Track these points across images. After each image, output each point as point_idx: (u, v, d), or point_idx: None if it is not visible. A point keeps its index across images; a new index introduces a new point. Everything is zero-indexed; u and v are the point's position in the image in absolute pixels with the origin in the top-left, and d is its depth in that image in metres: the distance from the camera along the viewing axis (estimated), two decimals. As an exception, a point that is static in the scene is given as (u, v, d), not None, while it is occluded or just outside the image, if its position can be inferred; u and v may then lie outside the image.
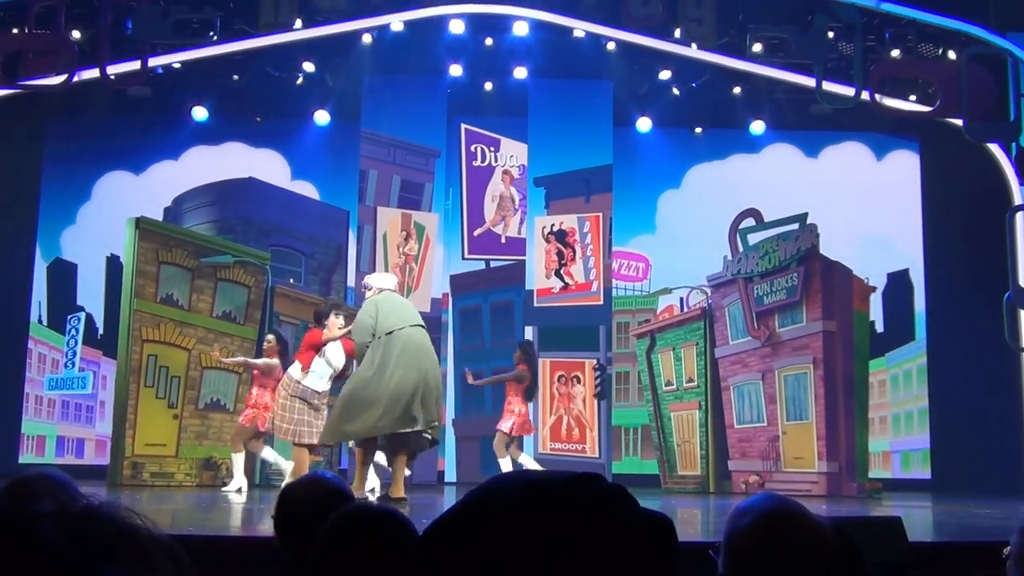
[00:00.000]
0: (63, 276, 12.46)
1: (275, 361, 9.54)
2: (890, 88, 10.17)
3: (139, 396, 10.35)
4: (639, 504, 0.92)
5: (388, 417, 7.47)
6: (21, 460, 11.68)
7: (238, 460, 9.60)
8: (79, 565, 0.71)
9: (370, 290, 8.08)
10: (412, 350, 7.62)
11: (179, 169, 12.58)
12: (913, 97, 10.43)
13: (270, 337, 9.87)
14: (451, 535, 0.89)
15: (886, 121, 11.52)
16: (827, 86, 9.99)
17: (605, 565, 0.84)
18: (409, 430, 7.59)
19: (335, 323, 8.73)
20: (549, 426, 11.53)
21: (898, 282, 12.54)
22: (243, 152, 12.65)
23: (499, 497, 0.89)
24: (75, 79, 9.53)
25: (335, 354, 8.78)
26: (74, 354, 11.98)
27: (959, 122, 9.87)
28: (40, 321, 12.34)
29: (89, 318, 12.16)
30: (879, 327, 12.29)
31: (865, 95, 9.82)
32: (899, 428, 12.25)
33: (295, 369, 8.74)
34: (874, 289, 11.49)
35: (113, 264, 11.85)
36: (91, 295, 12.28)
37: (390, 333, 7.61)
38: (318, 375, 8.72)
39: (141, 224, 10.57)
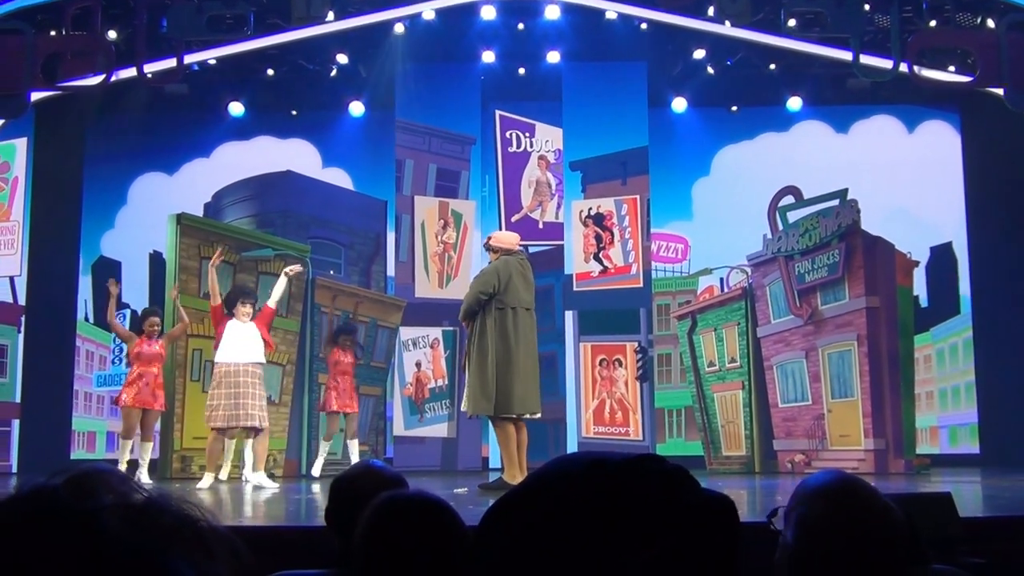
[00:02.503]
0: (107, 274, 12.60)
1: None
2: (928, 59, 10.02)
3: (186, 391, 10.47)
4: (700, 484, 0.92)
5: (533, 398, 7.65)
6: (72, 456, 11.86)
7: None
8: (142, 556, 0.72)
9: (495, 252, 7.95)
10: (531, 331, 7.77)
11: (213, 165, 12.69)
12: (952, 67, 10.27)
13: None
14: (516, 513, 0.89)
15: (924, 93, 11.36)
16: (864, 59, 9.86)
17: (669, 544, 0.85)
18: (536, 415, 7.85)
19: (242, 310, 9.17)
20: (592, 410, 11.53)
21: (941, 256, 12.40)
22: (275, 144, 12.73)
23: (563, 476, 0.90)
24: (113, 79, 9.62)
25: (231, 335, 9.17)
26: (121, 351, 12.12)
27: (1000, 91, 9.71)
28: (86, 319, 12.51)
29: (134, 315, 12.30)
30: (923, 302, 12.16)
31: (903, 67, 9.68)
32: (946, 403, 12.13)
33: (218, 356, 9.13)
34: (917, 263, 11.34)
35: (156, 261, 11.99)
36: (135, 292, 12.43)
37: (514, 308, 7.66)
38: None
39: (182, 220, 10.68)
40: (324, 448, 10.45)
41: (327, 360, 10.66)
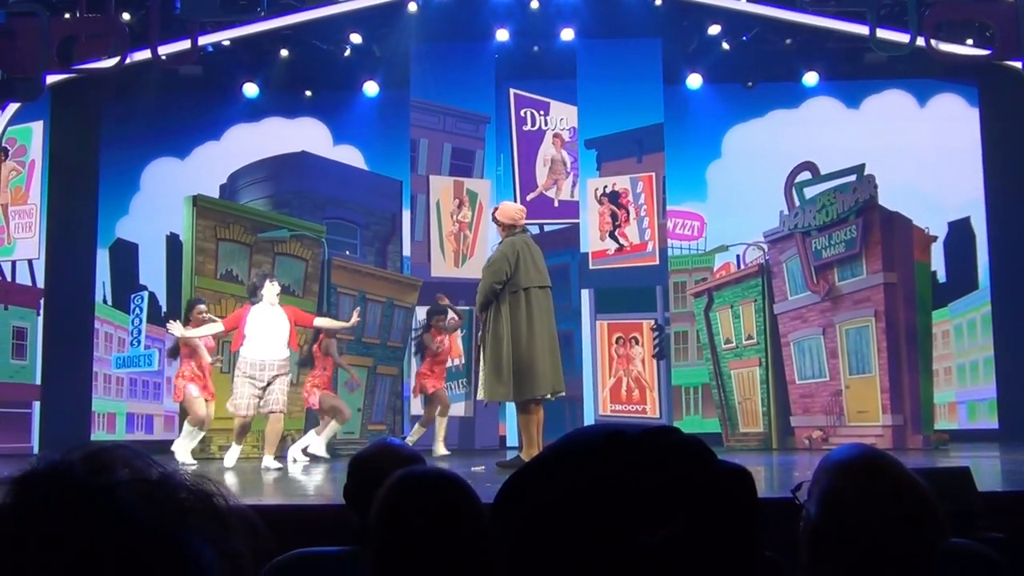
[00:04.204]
0: (125, 256, 12.67)
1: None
2: (946, 32, 9.92)
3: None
4: (716, 456, 0.92)
5: (556, 377, 7.59)
6: (93, 437, 11.94)
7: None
8: (158, 531, 0.73)
9: (501, 227, 7.84)
10: (545, 310, 7.65)
11: (224, 148, 12.70)
12: (970, 41, 10.18)
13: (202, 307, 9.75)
14: (534, 485, 0.89)
15: (941, 66, 11.26)
16: (881, 33, 9.78)
17: (688, 515, 0.85)
18: (561, 393, 7.79)
19: (271, 289, 8.89)
20: (609, 388, 11.54)
21: (959, 231, 12.32)
22: (286, 124, 12.73)
23: (580, 449, 0.90)
24: (127, 61, 9.63)
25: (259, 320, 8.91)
26: (139, 332, 12.18)
27: (1019, 64, 9.62)
28: (105, 301, 12.57)
29: (152, 296, 12.36)
30: (941, 277, 12.10)
31: (920, 41, 9.59)
32: (964, 378, 12.08)
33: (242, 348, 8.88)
34: (935, 239, 11.28)
35: (173, 243, 12.03)
36: (153, 274, 12.49)
37: (526, 289, 7.55)
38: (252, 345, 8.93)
39: (198, 202, 10.69)
40: (417, 433, 10.36)
41: (424, 344, 10.57)
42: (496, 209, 8.16)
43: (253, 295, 9.03)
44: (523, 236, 7.79)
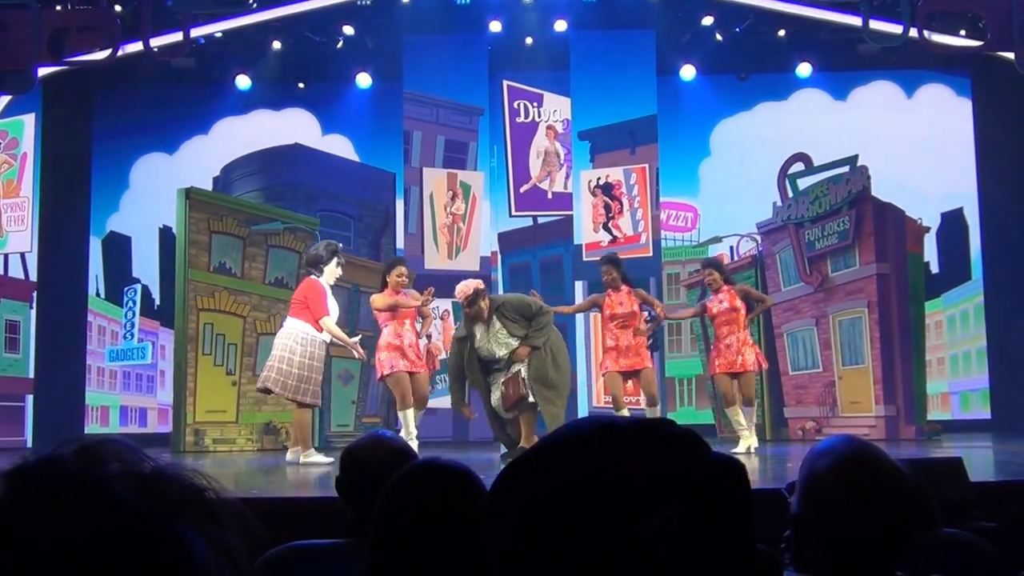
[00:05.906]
0: (118, 249, 12.64)
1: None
2: (939, 23, 9.92)
3: (198, 364, 10.51)
4: (711, 448, 0.92)
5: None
6: (86, 431, 11.93)
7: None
8: (151, 523, 0.73)
9: (477, 305, 7.92)
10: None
11: (213, 140, 12.64)
12: (963, 32, 10.18)
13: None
14: (528, 477, 0.89)
15: (934, 57, 11.26)
16: (874, 24, 9.78)
17: (680, 507, 0.85)
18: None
19: (334, 271, 8.15)
20: (602, 379, 11.54)
21: (952, 221, 12.33)
22: (274, 116, 12.68)
23: (575, 440, 0.89)
24: (119, 53, 9.58)
25: (332, 303, 8.10)
26: (132, 325, 12.17)
27: (1011, 56, 9.62)
28: (98, 294, 12.55)
29: (145, 289, 12.34)
30: (934, 268, 12.12)
31: (913, 32, 9.59)
32: (957, 369, 12.11)
33: (307, 326, 7.92)
34: (928, 230, 11.30)
35: (166, 236, 12.00)
36: (146, 267, 12.46)
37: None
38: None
39: (191, 195, 10.67)
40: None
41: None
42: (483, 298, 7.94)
43: (314, 267, 8.13)
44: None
